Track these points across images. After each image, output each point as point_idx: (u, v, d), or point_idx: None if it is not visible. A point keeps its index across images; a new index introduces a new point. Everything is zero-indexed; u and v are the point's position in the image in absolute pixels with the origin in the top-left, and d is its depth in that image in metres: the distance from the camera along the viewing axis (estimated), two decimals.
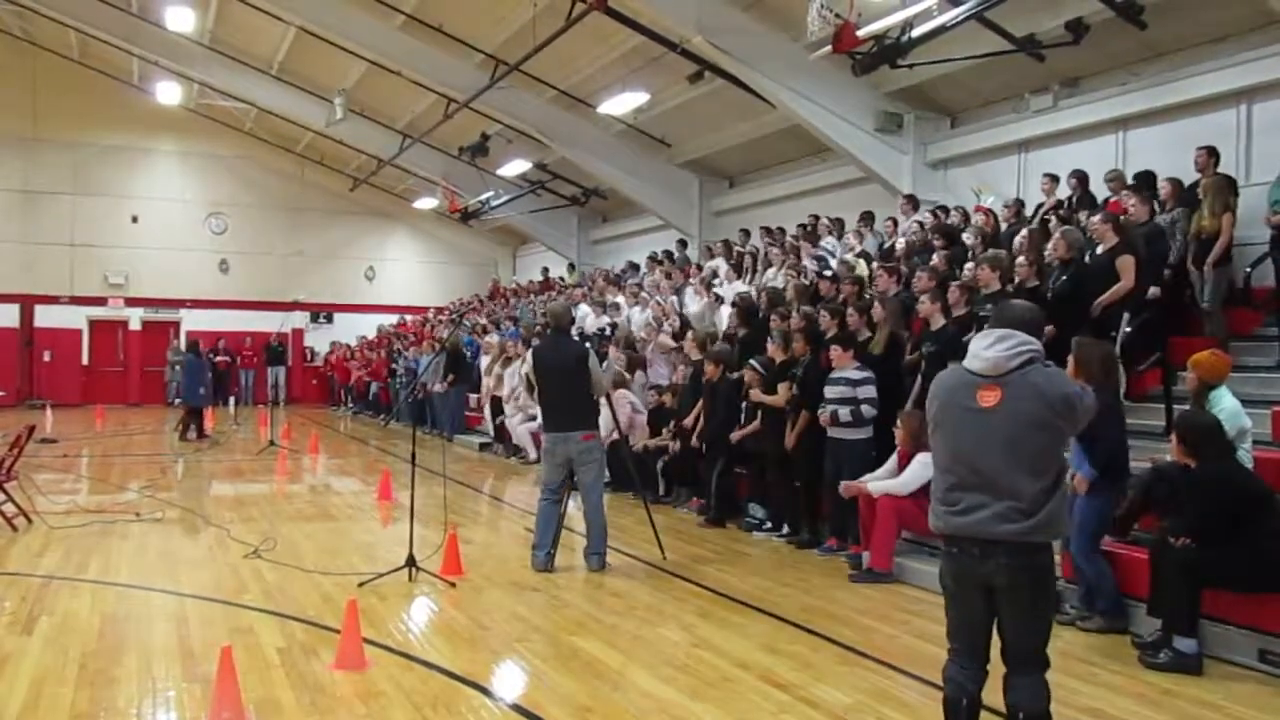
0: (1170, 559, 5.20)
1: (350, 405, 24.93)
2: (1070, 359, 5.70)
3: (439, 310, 25.84)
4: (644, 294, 14.60)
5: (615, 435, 9.63)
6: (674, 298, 14.01)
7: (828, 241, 12.88)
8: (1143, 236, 8.13)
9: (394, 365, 21.73)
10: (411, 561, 6.87)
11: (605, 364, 11.44)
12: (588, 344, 10.90)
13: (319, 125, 22.00)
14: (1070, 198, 10.17)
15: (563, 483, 7.46)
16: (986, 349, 3.50)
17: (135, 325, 26.03)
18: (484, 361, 16.39)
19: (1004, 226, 10.18)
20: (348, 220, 28.26)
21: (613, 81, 15.67)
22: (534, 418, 12.33)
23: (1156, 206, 8.87)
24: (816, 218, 13.82)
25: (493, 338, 16.94)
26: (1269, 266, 8.35)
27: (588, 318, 15.17)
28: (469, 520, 9.56)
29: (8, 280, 24.37)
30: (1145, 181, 9.33)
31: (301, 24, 18.09)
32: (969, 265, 8.99)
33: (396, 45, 17.41)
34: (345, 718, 4.40)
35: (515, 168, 20.22)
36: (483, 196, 22.27)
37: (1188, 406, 6.05)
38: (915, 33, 10.55)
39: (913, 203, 12.24)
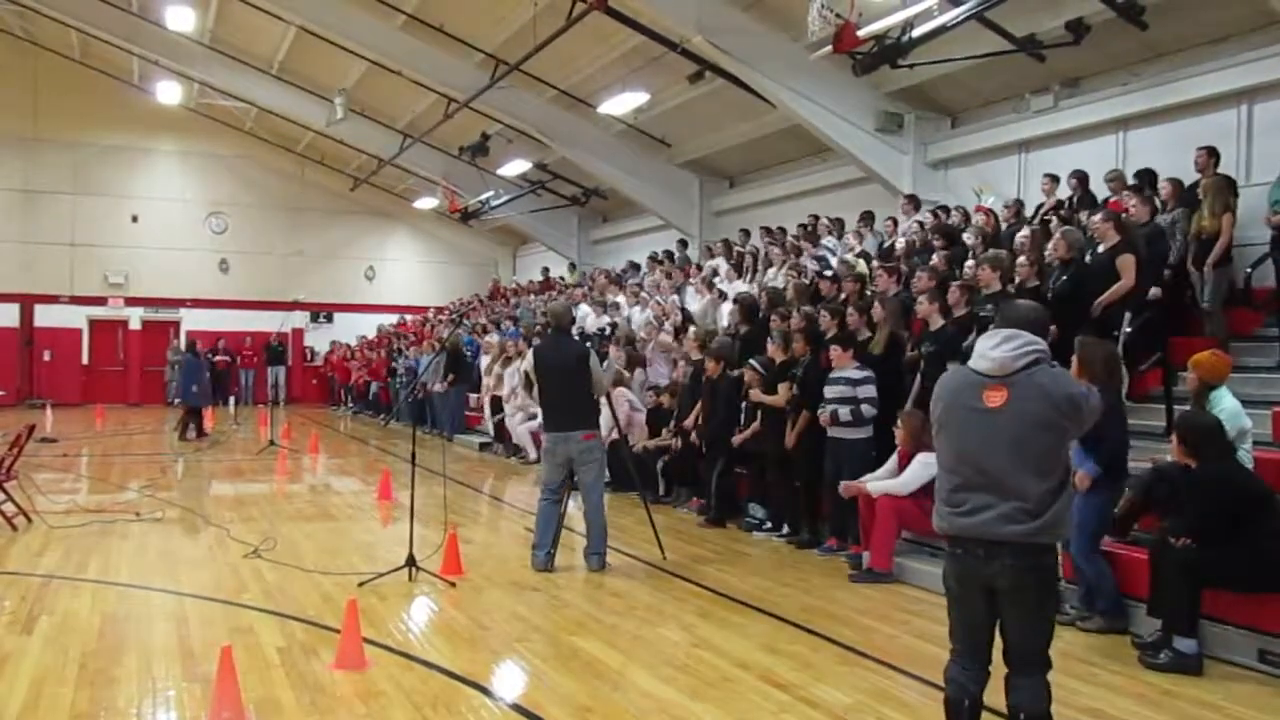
0: (1170, 559, 5.20)
1: (350, 405, 24.93)
2: (1074, 359, 5.70)
3: (439, 310, 25.84)
4: (644, 294, 14.61)
5: (615, 435, 9.63)
6: (674, 297, 14.02)
7: (828, 241, 12.88)
8: (1143, 237, 8.12)
9: (394, 365, 21.74)
10: (411, 561, 6.87)
11: (606, 364, 11.44)
12: (588, 344, 10.92)
13: (319, 125, 22.00)
14: (1071, 198, 10.17)
15: (563, 483, 7.46)
16: (993, 349, 3.50)
17: (135, 325, 26.03)
18: (484, 361, 16.40)
19: (1004, 226, 10.18)
20: (348, 220, 28.26)
21: (613, 81, 15.67)
22: (534, 417, 12.35)
23: (1158, 205, 8.87)
24: (816, 218, 13.82)
25: (493, 337, 16.94)
26: (1269, 267, 8.35)
27: (588, 317, 15.18)
28: (469, 520, 9.56)
29: (8, 280, 24.38)
30: (1146, 180, 9.33)
31: (302, 23, 18.08)
32: (969, 264, 9.00)
33: (397, 45, 17.41)
34: (345, 718, 4.40)
35: (515, 168, 20.21)
36: (483, 196, 22.27)
37: (1188, 407, 6.05)
38: (916, 33, 10.55)
39: (914, 203, 12.24)
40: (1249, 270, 8.51)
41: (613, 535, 7.67)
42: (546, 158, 20.27)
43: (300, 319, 27.71)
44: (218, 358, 25.12)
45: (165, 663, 5.09)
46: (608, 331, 14.24)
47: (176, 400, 20.54)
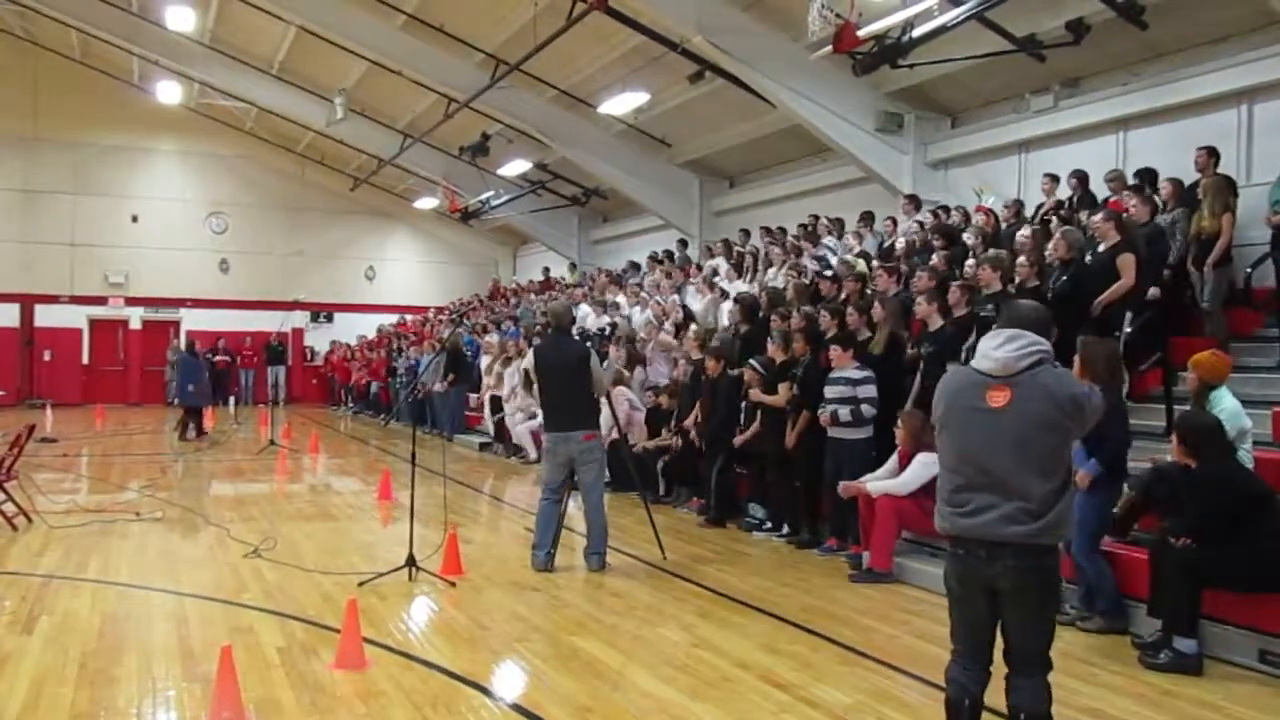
0: (1170, 559, 5.20)
1: (350, 405, 24.92)
2: (1075, 358, 5.70)
3: (439, 310, 25.84)
4: (644, 294, 14.61)
5: (615, 434, 9.63)
6: (674, 296, 14.02)
7: (828, 241, 12.88)
8: (1143, 236, 8.12)
9: (394, 365, 21.74)
10: (411, 561, 6.87)
11: (606, 363, 11.44)
12: (589, 343, 10.92)
13: (319, 125, 21.99)
14: (1071, 198, 10.17)
15: (563, 482, 7.46)
16: (996, 349, 3.49)
17: (135, 325, 26.02)
18: (484, 361, 16.40)
19: (1004, 226, 10.18)
20: (348, 220, 28.25)
21: (613, 81, 15.67)
22: (534, 417, 12.35)
23: (1159, 205, 8.87)
24: (816, 218, 13.82)
25: (493, 337, 16.95)
26: (1269, 267, 8.35)
27: (589, 317, 15.18)
28: (469, 520, 9.56)
29: (8, 280, 24.37)
30: (1146, 180, 9.33)
31: (302, 23, 18.08)
32: (969, 264, 8.99)
33: (397, 45, 17.41)
34: (345, 717, 4.40)
35: (515, 168, 20.21)
36: (483, 196, 22.27)
37: (1188, 407, 6.05)
38: (916, 33, 10.55)
39: (915, 203, 12.24)
40: (1249, 270, 8.51)
41: (613, 535, 7.67)
42: (546, 158, 20.27)
43: (300, 319, 27.70)
44: (218, 358, 25.11)
45: (165, 663, 5.09)
46: (608, 331, 14.24)
47: (176, 400, 20.53)
